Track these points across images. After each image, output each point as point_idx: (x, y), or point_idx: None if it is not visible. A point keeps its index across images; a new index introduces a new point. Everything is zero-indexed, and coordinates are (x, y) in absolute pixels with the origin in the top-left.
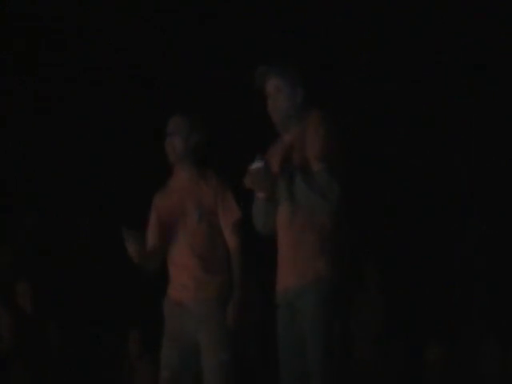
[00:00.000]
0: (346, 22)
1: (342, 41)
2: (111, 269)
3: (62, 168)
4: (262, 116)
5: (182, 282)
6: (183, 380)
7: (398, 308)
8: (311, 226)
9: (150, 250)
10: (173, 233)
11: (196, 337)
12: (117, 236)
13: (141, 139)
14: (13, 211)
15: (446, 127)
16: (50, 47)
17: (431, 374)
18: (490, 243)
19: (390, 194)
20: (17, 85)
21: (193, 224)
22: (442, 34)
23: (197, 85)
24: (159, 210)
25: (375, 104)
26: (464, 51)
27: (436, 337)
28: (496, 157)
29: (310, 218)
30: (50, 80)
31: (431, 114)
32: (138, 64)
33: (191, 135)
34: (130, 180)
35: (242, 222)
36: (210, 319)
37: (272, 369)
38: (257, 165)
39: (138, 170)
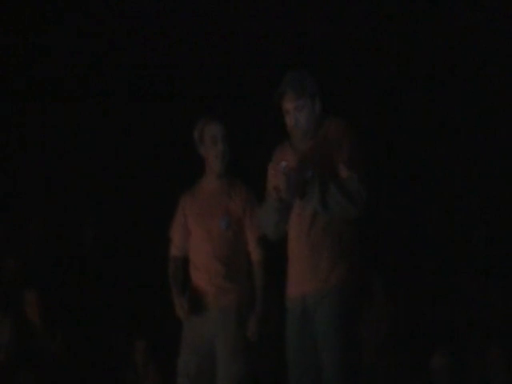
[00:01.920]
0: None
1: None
2: (117, 278)
3: (67, 175)
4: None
5: (202, 287)
6: None
7: (404, 316)
8: (331, 232)
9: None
10: (196, 236)
11: (213, 344)
12: (124, 245)
13: (146, 145)
14: (19, 219)
15: (452, 132)
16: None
17: (437, 381)
18: (495, 250)
19: (393, 200)
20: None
21: (219, 230)
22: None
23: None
24: (186, 211)
25: (378, 110)
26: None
27: (442, 345)
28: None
29: (328, 224)
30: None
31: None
32: (141, 67)
33: (229, 143)
34: (137, 187)
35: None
36: (228, 328)
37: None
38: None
39: (144, 177)
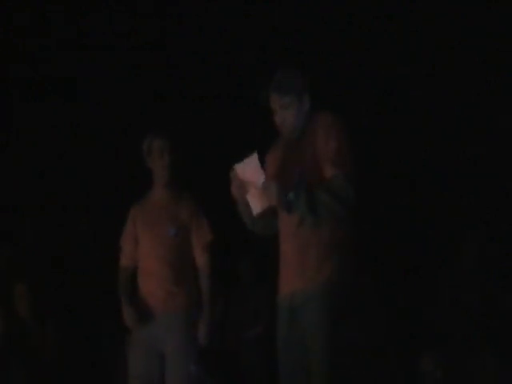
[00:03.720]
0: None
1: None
2: (110, 270)
3: (61, 169)
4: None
5: (151, 291)
6: None
7: (394, 319)
8: (319, 231)
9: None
10: (145, 244)
11: (162, 347)
12: (116, 238)
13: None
14: (12, 212)
15: (451, 131)
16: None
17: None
18: (489, 255)
19: (386, 203)
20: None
21: (167, 237)
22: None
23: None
24: (136, 220)
25: (376, 106)
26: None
27: (432, 348)
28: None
29: (317, 223)
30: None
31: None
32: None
33: (175, 155)
34: (129, 183)
35: (214, 243)
36: (177, 331)
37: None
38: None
39: (135, 175)
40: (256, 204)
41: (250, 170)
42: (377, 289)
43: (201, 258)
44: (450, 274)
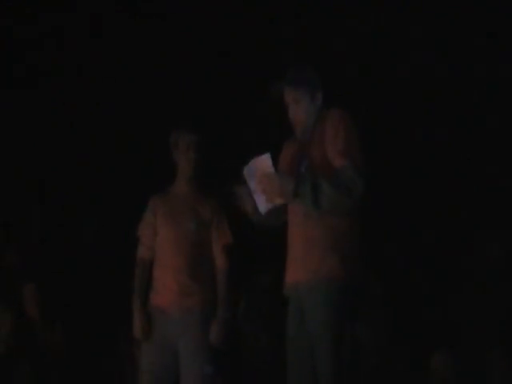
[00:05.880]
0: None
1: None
2: (118, 272)
3: (67, 168)
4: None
5: (166, 284)
6: None
7: (402, 317)
8: (325, 224)
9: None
10: (164, 235)
11: (176, 345)
12: (123, 239)
13: (146, 144)
14: (19, 212)
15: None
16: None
17: (438, 381)
18: (496, 255)
19: (392, 202)
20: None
21: (187, 230)
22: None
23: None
24: (156, 210)
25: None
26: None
27: (441, 346)
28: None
29: (323, 215)
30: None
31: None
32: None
33: (202, 151)
34: (135, 183)
35: (233, 246)
36: (191, 329)
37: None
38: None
39: (141, 174)
40: (263, 202)
41: (260, 169)
42: (386, 287)
43: (219, 258)
44: (460, 274)
